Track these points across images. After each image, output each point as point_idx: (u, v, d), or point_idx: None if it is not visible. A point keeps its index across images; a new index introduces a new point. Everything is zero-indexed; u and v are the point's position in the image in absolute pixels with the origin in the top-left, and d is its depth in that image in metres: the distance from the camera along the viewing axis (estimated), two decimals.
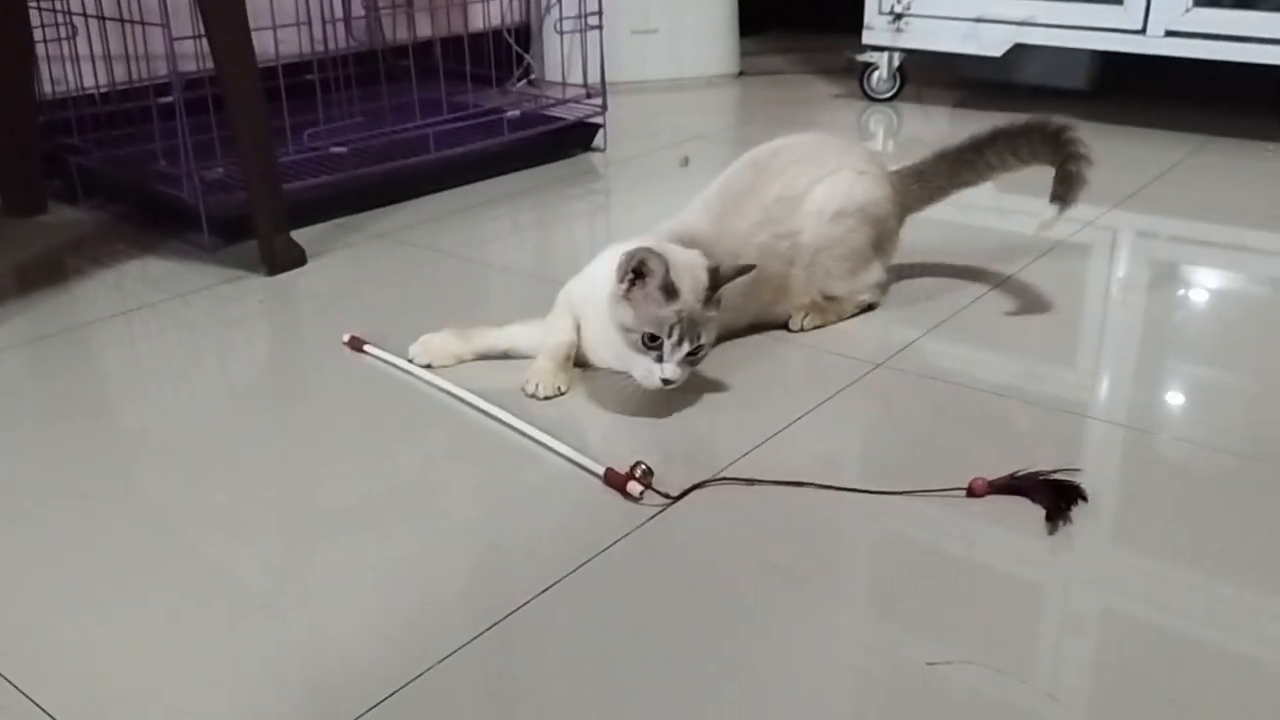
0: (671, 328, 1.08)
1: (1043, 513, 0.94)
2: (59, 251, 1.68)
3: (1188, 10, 2.06)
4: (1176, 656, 0.77)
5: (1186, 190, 1.86)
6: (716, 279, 1.13)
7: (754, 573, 0.89)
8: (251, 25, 1.48)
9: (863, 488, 0.98)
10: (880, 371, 1.22)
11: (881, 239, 1.34)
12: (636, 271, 1.10)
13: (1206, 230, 1.68)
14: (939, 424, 1.12)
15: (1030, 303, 1.41)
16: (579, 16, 2.05)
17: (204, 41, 1.48)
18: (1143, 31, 2.12)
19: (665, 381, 1.09)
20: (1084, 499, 0.95)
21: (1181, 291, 1.48)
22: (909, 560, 0.90)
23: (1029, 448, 1.04)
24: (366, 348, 1.27)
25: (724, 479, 1.00)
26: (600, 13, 2.05)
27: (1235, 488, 0.98)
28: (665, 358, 1.09)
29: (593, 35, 2.07)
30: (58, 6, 1.82)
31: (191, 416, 1.16)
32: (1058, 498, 0.95)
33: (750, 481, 1.00)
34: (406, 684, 0.76)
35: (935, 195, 1.42)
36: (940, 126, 2.37)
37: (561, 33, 2.12)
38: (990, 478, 0.97)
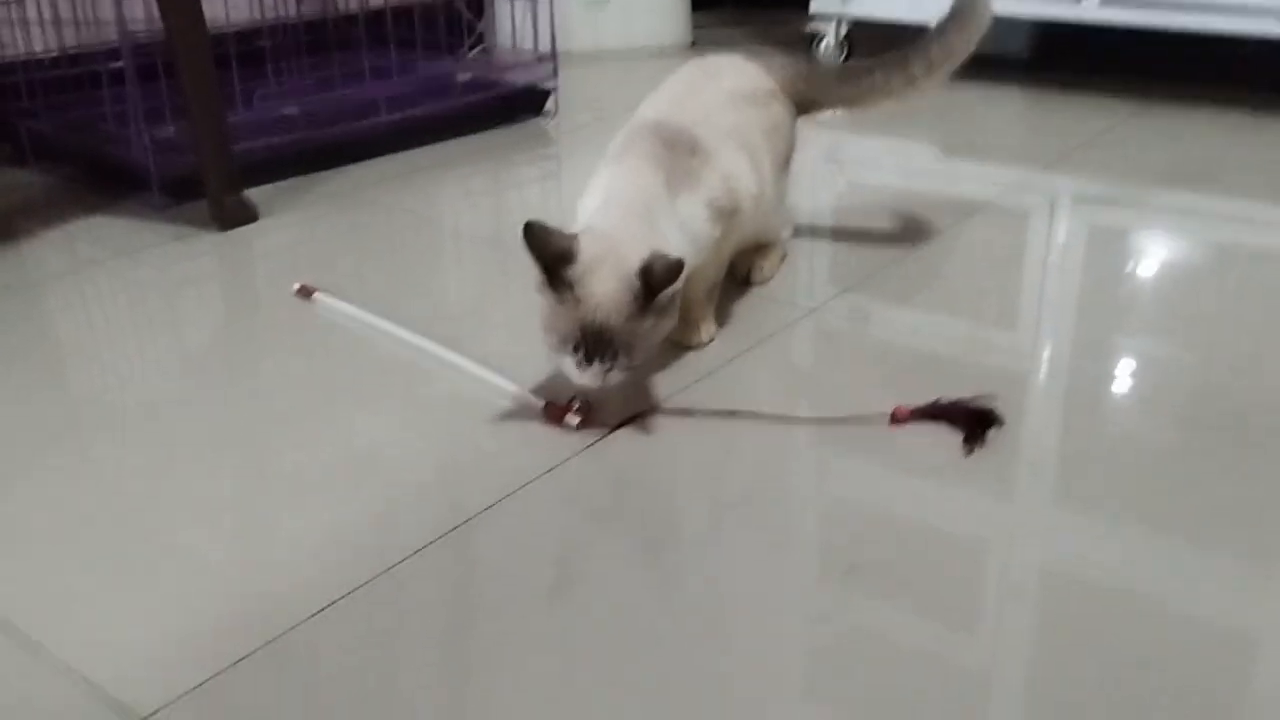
0: (576, 344, 0.95)
1: (960, 436, 0.99)
2: (8, 213, 1.68)
3: None
4: (1094, 598, 0.82)
5: (1117, 153, 1.92)
6: (651, 281, 0.93)
7: (684, 493, 0.93)
8: None
9: (792, 416, 1.03)
10: (815, 316, 1.27)
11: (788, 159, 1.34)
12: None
13: (1134, 192, 1.74)
14: (869, 363, 1.17)
15: (962, 257, 1.46)
16: None
17: (153, 5, 1.49)
18: (1078, 0, 2.18)
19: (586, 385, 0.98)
20: (1000, 423, 1.00)
21: (1108, 248, 1.54)
22: (833, 482, 0.95)
23: (954, 382, 1.08)
24: (316, 295, 1.30)
25: (660, 410, 1.05)
26: None
27: (1169, 445, 1.02)
28: (580, 366, 0.97)
29: (543, 2, 2.09)
30: None
31: (141, 371, 1.19)
32: (975, 423, 1.00)
33: (686, 412, 1.04)
34: (358, 587, 0.80)
35: (812, 106, 1.36)
36: None
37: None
38: (911, 407, 1.02)
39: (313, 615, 0.78)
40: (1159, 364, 1.16)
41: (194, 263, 1.47)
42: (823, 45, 2.57)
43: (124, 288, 1.40)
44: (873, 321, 1.25)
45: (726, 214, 1.12)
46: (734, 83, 1.26)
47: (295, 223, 1.61)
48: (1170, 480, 0.89)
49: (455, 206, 1.73)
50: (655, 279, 0.94)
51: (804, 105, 1.34)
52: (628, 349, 0.96)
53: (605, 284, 0.95)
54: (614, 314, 0.95)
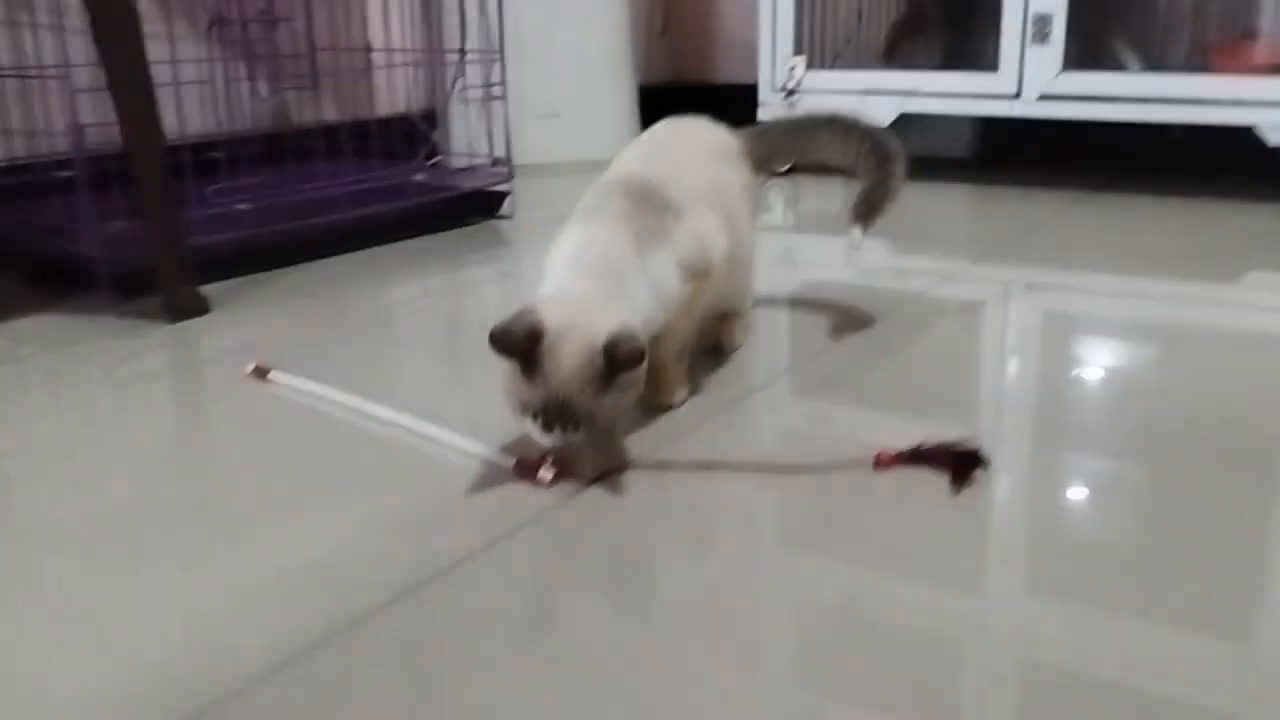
0: (537, 413, 0.93)
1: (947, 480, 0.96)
2: None
3: (1058, 75, 2.21)
4: (1069, 684, 0.78)
5: (1062, 240, 1.96)
6: (614, 361, 0.91)
7: (662, 548, 0.89)
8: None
9: (772, 465, 0.99)
10: (791, 374, 1.25)
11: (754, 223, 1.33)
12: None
13: (1080, 277, 1.76)
14: (851, 414, 1.14)
15: (921, 346, 1.46)
16: (484, 86, 2.11)
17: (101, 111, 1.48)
18: (1018, 96, 2.25)
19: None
20: (986, 464, 0.97)
21: (1059, 332, 1.54)
22: (818, 527, 0.91)
23: (932, 431, 1.06)
24: (272, 375, 1.26)
25: (636, 465, 1.01)
26: (503, 83, 2.12)
27: (1136, 527, 0.99)
28: (542, 432, 0.94)
29: (497, 106, 2.12)
30: None
31: (90, 465, 1.13)
32: (960, 464, 0.97)
33: (663, 466, 1.00)
34: (313, 646, 0.74)
35: (768, 164, 1.39)
36: (834, 198, 2.46)
37: (466, 101, 2.17)
38: (895, 451, 0.99)
39: (261, 677, 0.71)
40: (1115, 445, 1.14)
41: (145, 354, 1.42)
42: None
43: (70, 383, 1.34)
44: (847, 378, 1.23)
45: (699, 274, 1.10)
46: (704, 141, 1.26)
47: (249, 315, 1.57)
48: (1139, 562, 0.84)
49: (412, 300, 1.71)
50: (619, 360, 0.92)
51: (761, 165, 1.36)
52: (590, 420, 0.94)
53: (570, 358, 0.92)
54: (577, 390, 0.92)
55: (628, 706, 0.67)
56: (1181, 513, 0.89)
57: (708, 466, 1.00)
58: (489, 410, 1.16)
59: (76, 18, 1.49)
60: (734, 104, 2.89)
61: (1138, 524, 0.88)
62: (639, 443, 1.07)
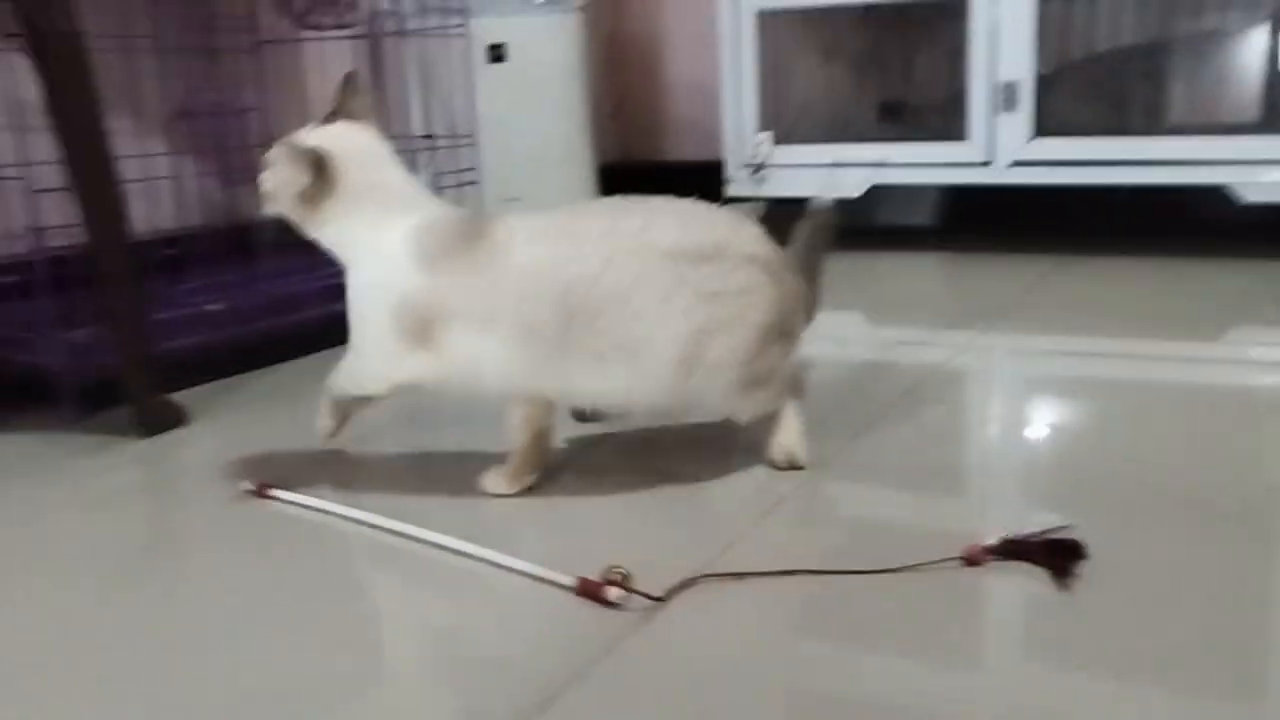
0: None
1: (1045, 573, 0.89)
2: None
3: (1029, 140, 2.21)
4: None
5: (1040, 310, 1.93)
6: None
7: (763, 663, 0.80)
8: None
9: (855, 569, 0.92)
10: (824, 465, 1.18)
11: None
12: None
13: (1062, 345, 1.73)
14: (918, 500, 1.07)
15: (911, 423, 1.40)
16: (456, 172, 2.04)
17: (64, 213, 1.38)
18: (989, 164, 2.25)
19: None
20: (1086, 555, 0.91)
21: (1049, 403, 1.50)
22: (920, 632, 0.83)
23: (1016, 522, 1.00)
24: (274, 493, 1.15)
25: (710, 574, 0.92)
26: (476, 168, 2.05)
27: (1135, 599, 0.95)
28: None
29: (470, 192, 2.05)
30: None
31: (56, 617, 1.00)
32: (1059, 556, 0.90)
33: (739, 575, 0.92)
34: None
35: None
36: None
37: (440, 189, 2.09)
38: (983, 544, 0.92)
39: None
40: (1107, 514, 1.09)
41: (115, 474, 1.29)
42: None
43: (33, 512, 1.20)
44: (888, 466, 1.16)
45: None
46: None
47: (231, 423, 1.45)
48: (1144, 631, 0.78)
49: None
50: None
51: None
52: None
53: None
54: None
55: None
56: (1198, 578, 0.86)
57: (786, 574, 0.92)
58: (531, 524, 1.07)
59: (36, 115, 1.38)
60: (686, 182, 2.86)
61: (1134, 597, 0.83)
62: (702, 545, 0.98)
